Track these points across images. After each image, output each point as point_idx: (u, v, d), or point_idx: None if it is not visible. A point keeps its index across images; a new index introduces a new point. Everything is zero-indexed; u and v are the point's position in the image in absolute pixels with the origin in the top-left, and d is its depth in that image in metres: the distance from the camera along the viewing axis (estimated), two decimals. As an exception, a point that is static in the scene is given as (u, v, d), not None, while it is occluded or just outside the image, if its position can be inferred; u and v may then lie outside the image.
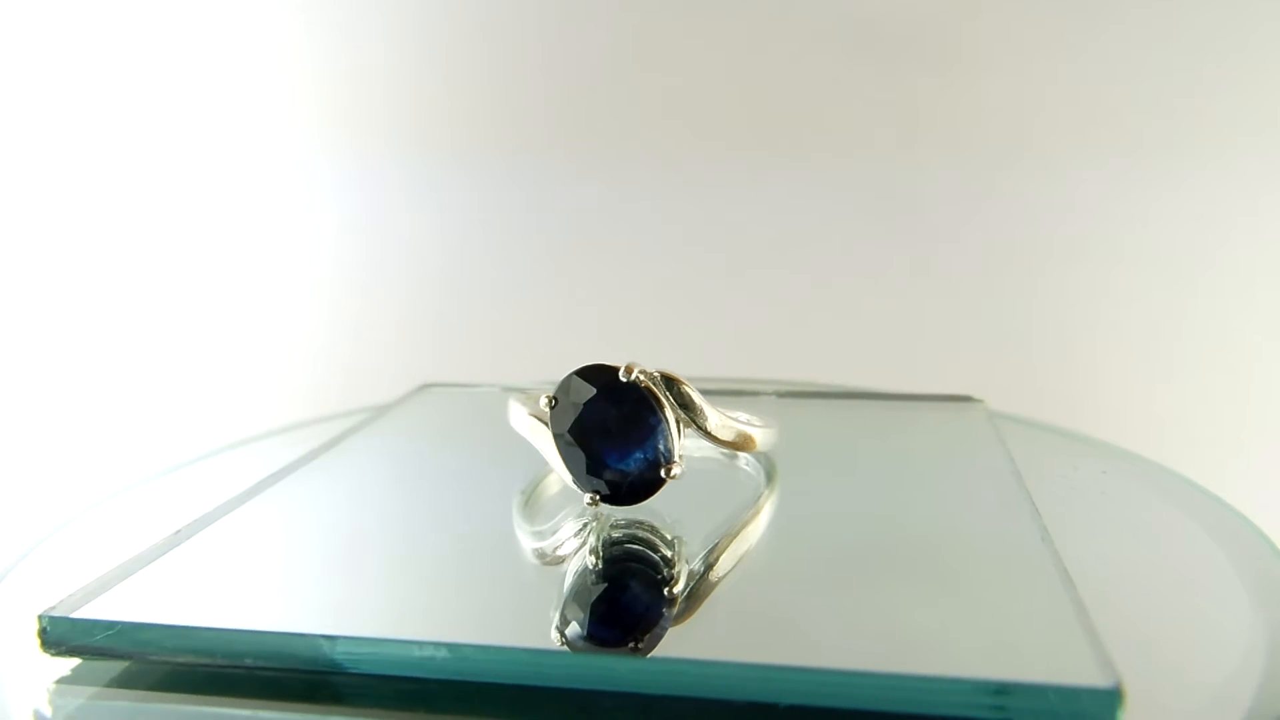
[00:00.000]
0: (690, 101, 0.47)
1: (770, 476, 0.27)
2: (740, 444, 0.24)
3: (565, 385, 0.23)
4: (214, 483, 0.31)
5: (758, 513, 0.25)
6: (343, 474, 0.28)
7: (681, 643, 0.18)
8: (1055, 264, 0.47)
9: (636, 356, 0.23)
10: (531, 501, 0.26)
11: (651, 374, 0.23)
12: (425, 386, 0.37)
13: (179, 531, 0.23)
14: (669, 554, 0.22)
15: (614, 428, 0.22)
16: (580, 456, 0.22)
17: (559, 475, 0.23)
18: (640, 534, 0.23)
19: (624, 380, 0.22)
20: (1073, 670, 0.16)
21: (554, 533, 0.23)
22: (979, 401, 0.35)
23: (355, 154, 0.48)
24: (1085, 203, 0.46)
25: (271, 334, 0.50)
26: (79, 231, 0.49)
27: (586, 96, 0.47)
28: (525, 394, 0.27)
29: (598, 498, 0.22)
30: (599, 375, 0.22)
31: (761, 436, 0.25)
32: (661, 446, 0.22)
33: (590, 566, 0.21)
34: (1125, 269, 0.46)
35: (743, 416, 0.25)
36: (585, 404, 0.22)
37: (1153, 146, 0.45)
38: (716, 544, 0.23)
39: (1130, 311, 0.46)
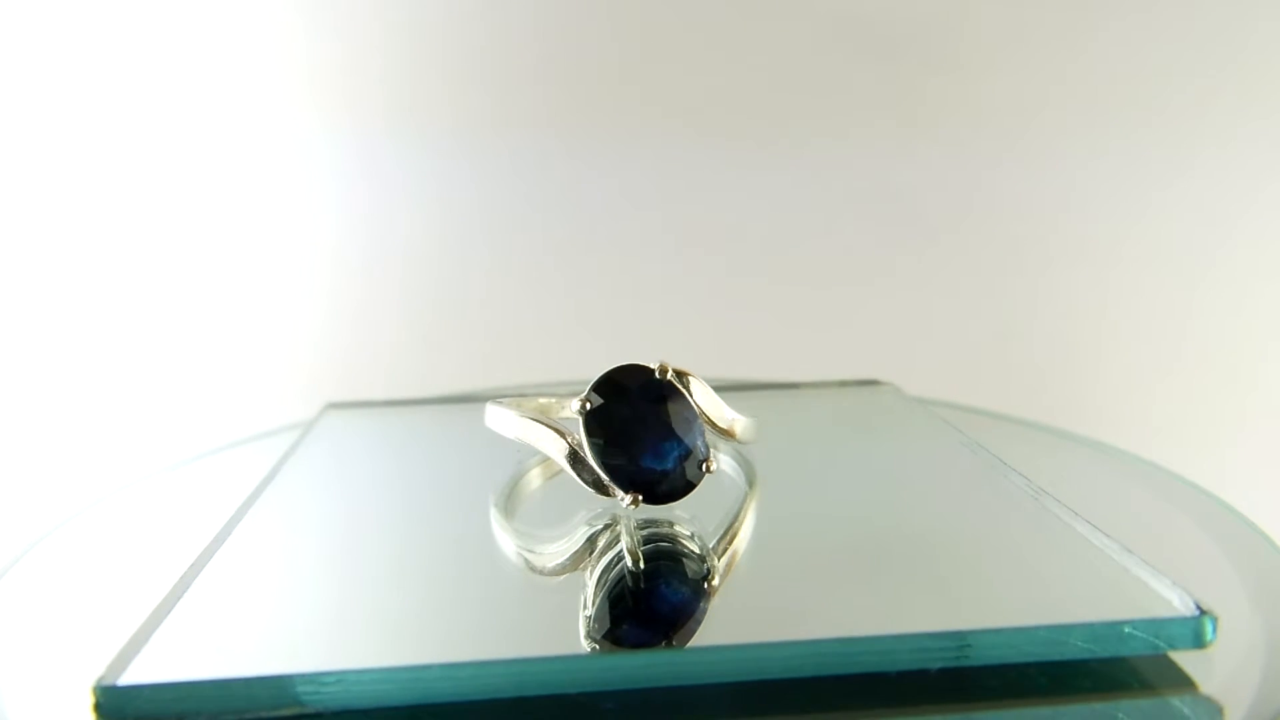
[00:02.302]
0: (691, 99, 0.47)
1: (749, 469, 0.27)
2: (731, 435, 0.25)
3: (599, 386, 0.22)
4: (210, 484, 0.31)
5: (754, 506, 0.25)
6: (304, 499, 0.27)
7: (718, 634, 0.19)
8: (1054, 263, 0.47)
9: (634, 354, 0.23)
10: (509, 511, 0.25)
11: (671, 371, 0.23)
12: (331, 406, 0.36)
13: (182, 578, 0.21)
14: (697, 549, 0.22)
15: (651, 428, 0.22)
16: (619, 457, 0.22)
17: (572, 477, 0.23)
18: (666, 531, 0.23)
19: (658, 379, 0.22)
20: (1152, 601, 0.18)
21: (566, 538, 0.23)
22: (889, 384, 0.35)
23: (354, 152, 0.47)
24: (1085, 201, 0.46)
25: (269, 330, 0.49)
26: (71, 226, 0.48)
27: (587, 93, 0.47)
28: (506, 398, 0.26)
29: (639, 498, 0.22)
30: (635, 375, 0.23)
31: (746, 428, 0.26)
32: (700, 444, 0.22)
33: (630, 568, 0.21)
34: (1125, 268, 0.47)
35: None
36: (622, 405, 0.22)
37: (1153, 144, 0.46)
38: (731, 535, 0.23)
39: (1130, 311, 0.47)
